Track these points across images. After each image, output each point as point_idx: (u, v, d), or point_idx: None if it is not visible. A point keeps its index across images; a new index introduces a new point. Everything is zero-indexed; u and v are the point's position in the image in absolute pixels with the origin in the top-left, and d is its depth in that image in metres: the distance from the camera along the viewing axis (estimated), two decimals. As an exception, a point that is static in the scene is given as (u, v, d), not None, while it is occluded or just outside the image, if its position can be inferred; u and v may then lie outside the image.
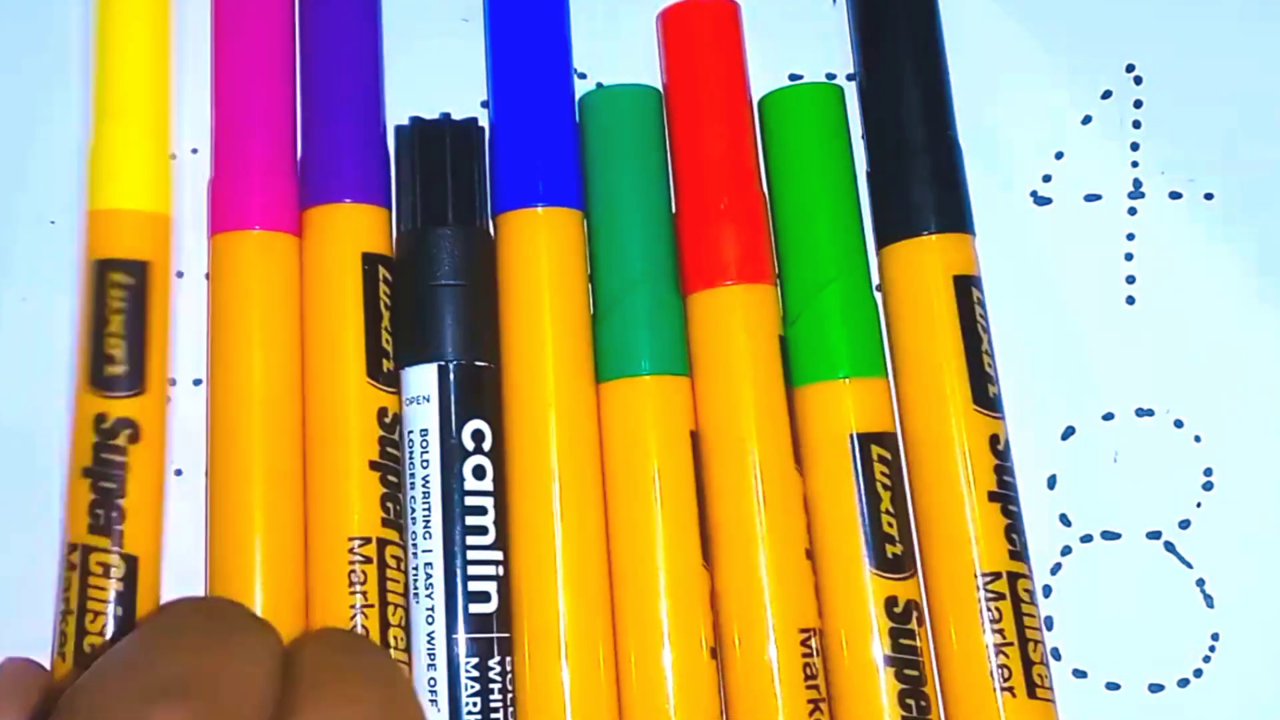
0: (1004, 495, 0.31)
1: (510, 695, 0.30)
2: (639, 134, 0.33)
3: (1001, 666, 0.30)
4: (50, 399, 0.33)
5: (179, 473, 0.33)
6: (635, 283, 0.32)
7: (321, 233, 0.32)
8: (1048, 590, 0.32)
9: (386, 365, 0.31)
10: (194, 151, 0.34)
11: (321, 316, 0.32)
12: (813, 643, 0.30)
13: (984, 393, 0.31)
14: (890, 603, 0.30)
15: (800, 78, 0.34)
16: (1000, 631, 0.30)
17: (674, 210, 0.33)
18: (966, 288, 0.31)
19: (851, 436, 0.31)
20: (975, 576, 0.30)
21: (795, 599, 0.30)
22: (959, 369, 0.31)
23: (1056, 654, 0.32)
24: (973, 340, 0.31)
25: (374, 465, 0.31)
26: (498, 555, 0.31)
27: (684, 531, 0.31)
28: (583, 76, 0.34)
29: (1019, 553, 0.30)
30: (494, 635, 0.30)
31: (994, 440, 0.31)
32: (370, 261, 0.32)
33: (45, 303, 0.33)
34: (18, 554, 0.32)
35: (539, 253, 0.32)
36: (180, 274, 0.33)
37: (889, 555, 0.30)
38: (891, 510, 0.31)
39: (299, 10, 0.34)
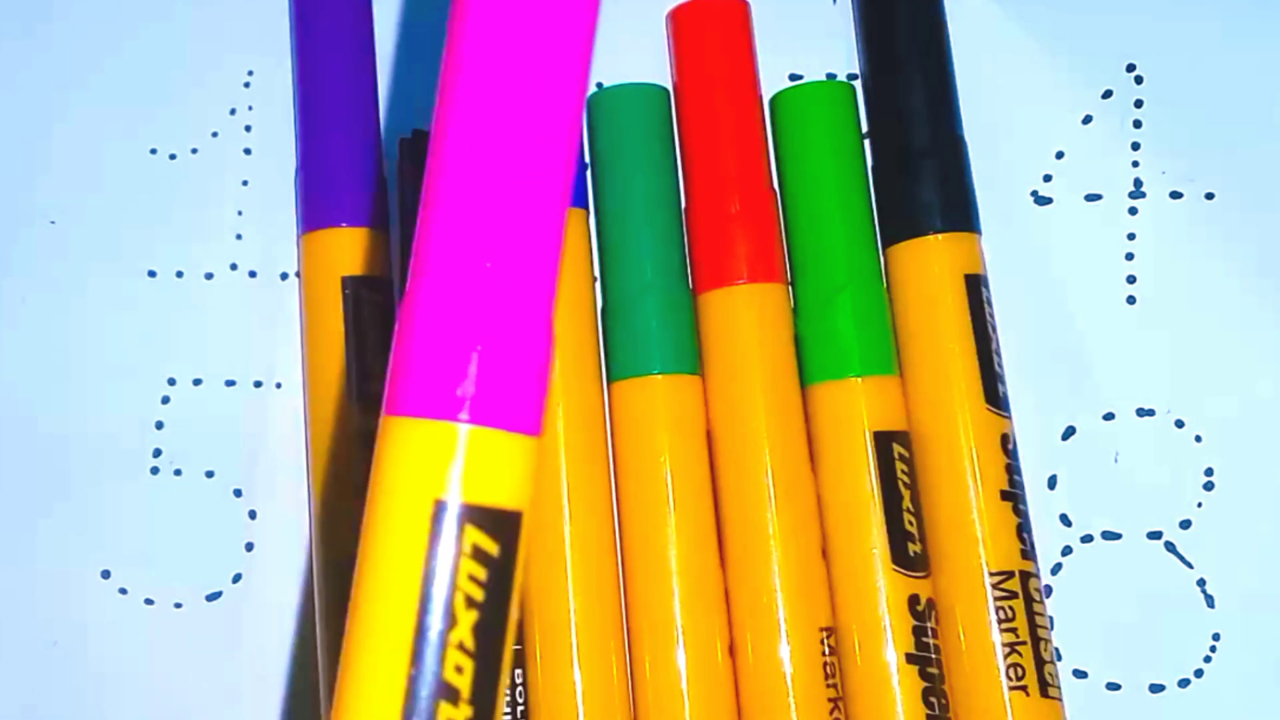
0: (1014, 494, 0.31)
1: (521, 709, 0.30)
2: (648, 133, 0.33)
3: (1014, 665, 0.30)
4: (54, 397, 0.33)
5: (178, 473, 0.33)
6: (646, 282, 0.32)
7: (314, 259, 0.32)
8: (1048, 590, 0.32)
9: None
10: (194, 152, 0.34)
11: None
12: (831, 641, 0.30)
13: (995, 392, 0.31)
14: (913, 601, 0.30)
15: (800, 78, 0.34)
16: (1013, 630, 0.30)
17: (684, 209, 0.33)
18: (976, 287, 0.31)
19: (872, 434, 0.31)
20: (987, 576, 0.30)
21: (813, 598, 0.30)
22: (971, 368, 0.31)
23: (1057, 654, 0.32)
24: (983, 339, 0.31)
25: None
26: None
27: (698, 531, 0.31)
28: (585, 76, 0.34)
29: (1029, 552, 0.30)
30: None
31: (1004, 439, 0.31)
32: (352, 285, 0.32)
33: (45, 303, 0.33)
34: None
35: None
36: (180, 274, 0.33)
37: (910, 553, 0.30)
38: (912, 508, 0.31)
39: (295, 33, 0.34)
